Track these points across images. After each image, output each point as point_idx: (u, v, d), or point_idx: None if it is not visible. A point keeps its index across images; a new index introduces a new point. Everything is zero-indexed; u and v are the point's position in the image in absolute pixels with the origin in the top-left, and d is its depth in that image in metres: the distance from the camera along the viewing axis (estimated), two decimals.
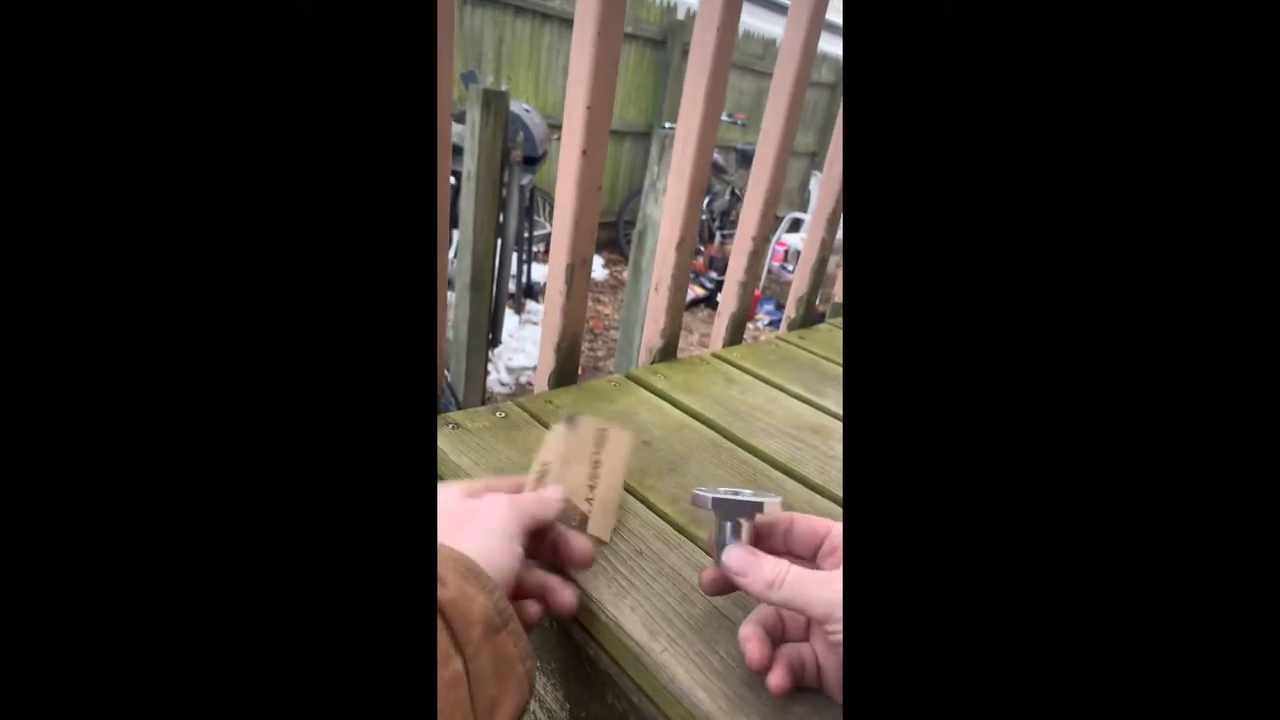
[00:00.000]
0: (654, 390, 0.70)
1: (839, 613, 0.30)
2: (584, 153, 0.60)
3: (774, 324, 3.39)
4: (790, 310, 1.02)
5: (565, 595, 0.39)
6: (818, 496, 0.56)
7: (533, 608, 0.38)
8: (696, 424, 0.65)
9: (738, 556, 0.34)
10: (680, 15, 4.34)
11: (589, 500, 0.44)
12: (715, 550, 0.36)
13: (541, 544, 0.41)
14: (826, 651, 0.35)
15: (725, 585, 0.36)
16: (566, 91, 0.60)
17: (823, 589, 0.31)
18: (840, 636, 0.30)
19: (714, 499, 0.35)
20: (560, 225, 0.64)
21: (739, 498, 0.35)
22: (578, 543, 0.41)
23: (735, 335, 0.89)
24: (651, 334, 0.80)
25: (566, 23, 3.82)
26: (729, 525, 0.35)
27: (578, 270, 0.65)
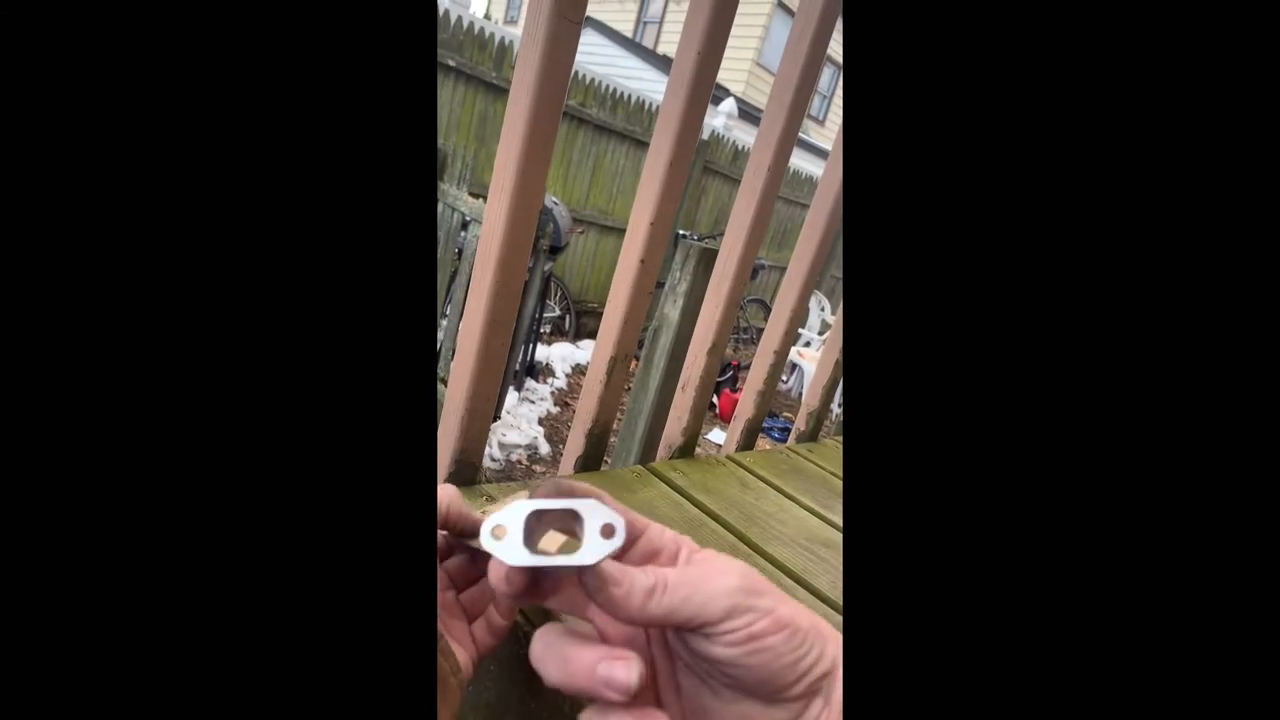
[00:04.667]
0: (673, 485, 0.73)
1: (745, 601, 0.23)
2: (642, 261, 0.66)
3: (764, 431, 3.44)
4: (801, 424, 1.07)
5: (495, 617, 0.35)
6: (831, 611, 0.57)
7: (479, 630, 0.35)
8: (714, 524, 0.67)
9: (610, 562, 0.25)
10: (705, 135, 4.70)
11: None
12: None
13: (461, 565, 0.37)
14: (691, 662, 0.26)
15: (531, 591, 0.27)
16: (634, 206, 0.67)
17: (722, 576, 0.24)
18: (740, 634, 0.23)
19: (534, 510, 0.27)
20: (609, 322, 0.69)
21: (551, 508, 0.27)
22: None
23: (749, 440, 0.93)
24: (673, 431, 0.83)
25: (600, 129, 4.12)
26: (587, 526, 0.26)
27: (619, 363, 0.70)
